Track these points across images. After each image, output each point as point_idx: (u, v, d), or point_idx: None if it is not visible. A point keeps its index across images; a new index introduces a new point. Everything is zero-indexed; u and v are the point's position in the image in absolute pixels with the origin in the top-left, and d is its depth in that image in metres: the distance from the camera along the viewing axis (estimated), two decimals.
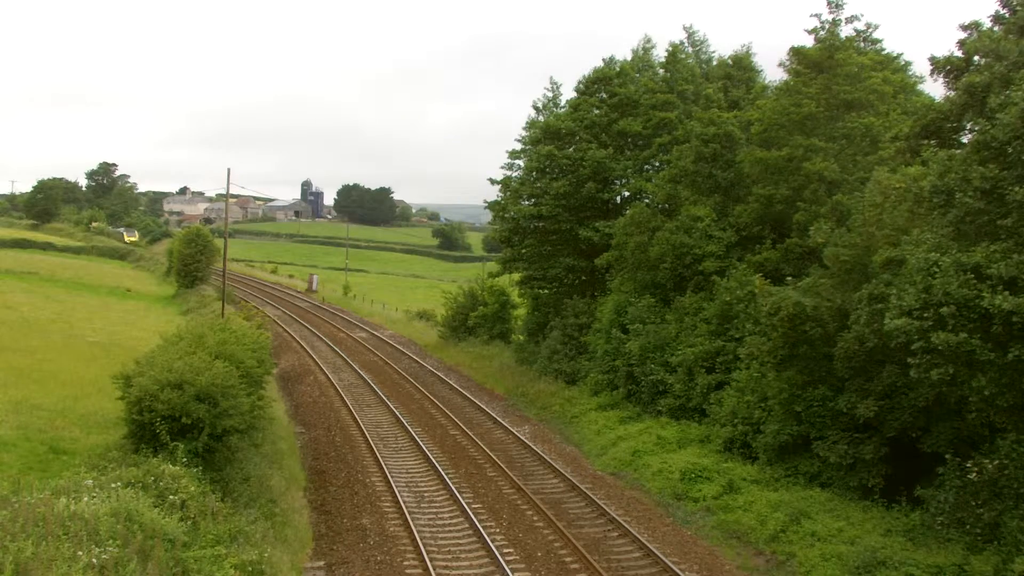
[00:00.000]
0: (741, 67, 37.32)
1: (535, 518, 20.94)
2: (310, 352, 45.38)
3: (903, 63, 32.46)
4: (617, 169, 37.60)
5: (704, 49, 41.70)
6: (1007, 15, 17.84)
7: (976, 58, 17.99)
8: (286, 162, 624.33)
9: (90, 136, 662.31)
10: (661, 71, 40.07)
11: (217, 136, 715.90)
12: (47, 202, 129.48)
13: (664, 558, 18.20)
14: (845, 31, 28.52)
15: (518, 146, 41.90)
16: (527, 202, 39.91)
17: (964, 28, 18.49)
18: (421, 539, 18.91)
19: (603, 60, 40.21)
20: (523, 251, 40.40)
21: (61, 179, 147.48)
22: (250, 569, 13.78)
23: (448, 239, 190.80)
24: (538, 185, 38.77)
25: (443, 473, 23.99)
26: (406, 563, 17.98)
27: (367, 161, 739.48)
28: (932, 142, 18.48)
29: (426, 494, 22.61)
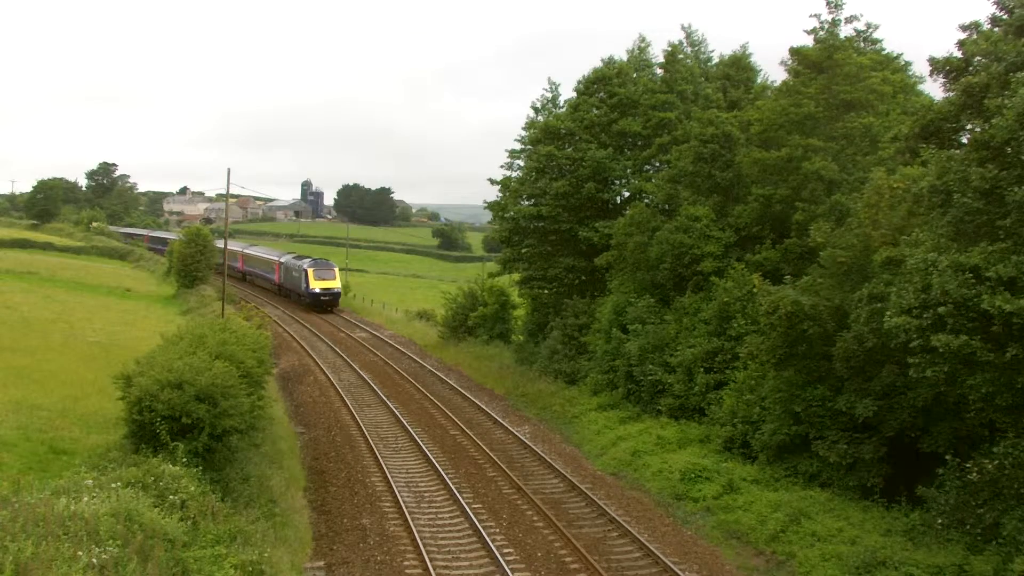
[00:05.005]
0: (740, 67, 37.34)
1: (535, 518, 20.96)
2: (310, 352, 45.38)
3: (903, 63, 32.49)
4: (617, 169, 37.60)
5: (703, 49, 41.72)
6: (1004, 17, 17.84)
7: (976, 59, 17.99)
8: (303, 164, 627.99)
9: (90, 136, 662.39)
10: (659, 71, 40.07)
11: (224, 138, 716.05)
12: (47, 202, 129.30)
13: (664, 558, 18.22)
14: (845, 31, 28.61)
15: (518, 146, 41.96)
16: (527, 202, 39.92)
17: (964, 28, 18.49)
18: (421, 539, 18.93)
19: (602, 60, 40.23)
20: (523, 251, 40.40)
21: (61, 179, 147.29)
22: (250, 569, 13.79)
23: (448, 239, 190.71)
24: (538, 185, 38.77)
25: (443, 473, 24.00)
26: (406, 563, 18.00)
27: (389, 161, 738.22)
28: (931, 143, 18.48)
29: (426, 494, 22.63)
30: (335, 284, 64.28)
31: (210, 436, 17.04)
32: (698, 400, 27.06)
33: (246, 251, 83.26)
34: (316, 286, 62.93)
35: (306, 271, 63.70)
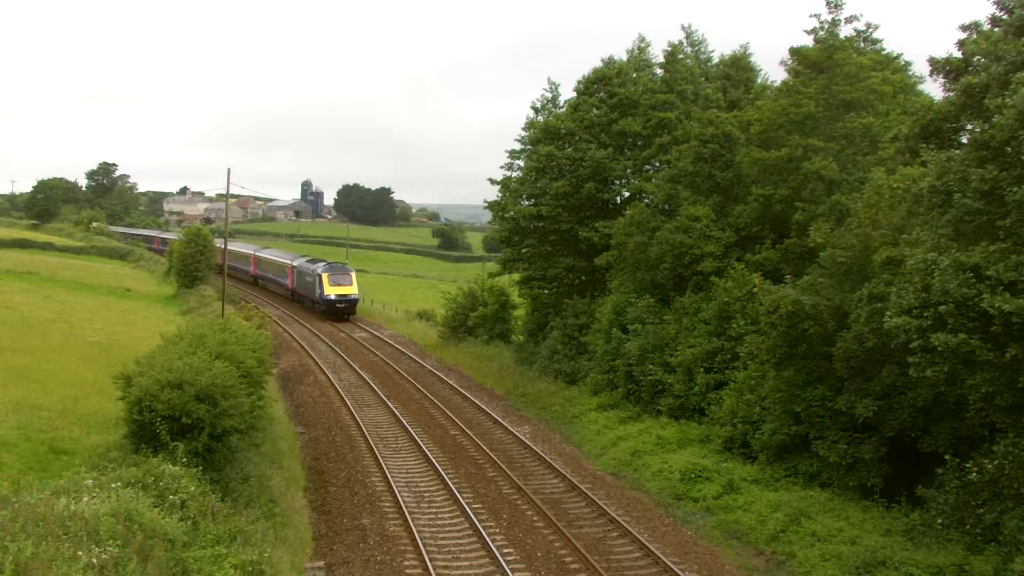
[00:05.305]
0: (740, 67, 37.34)
1: (535, 518, 20.96)
2: (310, 352, 45.39)
3: (903, 63, 32.50)
4: (617, 169, 37.61)
5: (703, 49, 41.73)
6: (1004, 17, 17.84)
7: (976, 59, 18.00)
8: (303, 164, 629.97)
9: (90, 136, 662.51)
10: (659, 71, 40.09)
11: (224, 138, 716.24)
12: (47, 202, 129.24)
13: (664, 558, 18.22)
14: (845, 31, 28.61)
15: (518, 146, 41.97)
16: (527, 202, 39.93)
17: (964, 29, 18.50)
18: (421, 539, 18.93)
19: (602, 60, 40.24)
20: (523, 251, 40.41)
21: (61, 179, 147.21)
22: (250, 569, 13.79)
23: (448, 239, 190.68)
24: (538, 185, 38.78)
25: (443, 473, 24.00)
26: (406, 563, 18.00)
27: (389, 161, 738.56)
28: (931, 144, 18.48)
29: (426, 494, 22.63)
30: (352, 290, 59.88)
31: (210, 436, 17.04)
32: (698, 400, 27.06)
33: (258, 254, 78.76)
34: (331, 292, 58.83)
35: (320, 276, 59.48)
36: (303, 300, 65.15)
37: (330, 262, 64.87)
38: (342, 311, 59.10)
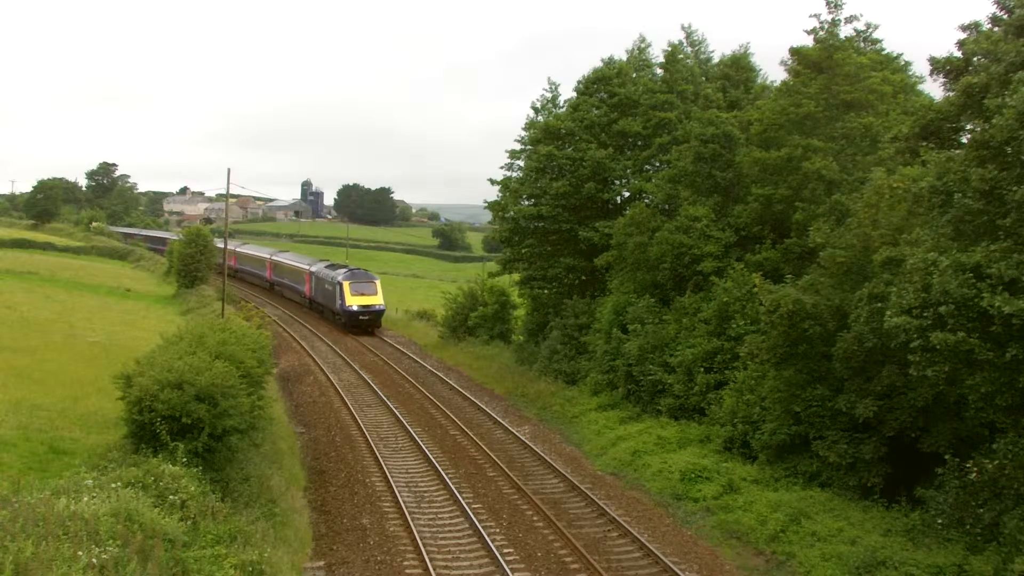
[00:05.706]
0: (740, 67, 37.34)
1: (535, 518, 20.96)
2: (310, 352, 45.39)
3: (903, 63, 32.51)
4: (617, 169, 37.61)
5: (703, 49, 41.74)
6: (1004, 17, 17.85)
7: (976, 59, 18.01)
8: (303, 164, 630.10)
9: (90, 136, 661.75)
10: (659, 71, 40.09)
11: (224, 138, 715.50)
12: (47, 202, 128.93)
13: (664, 558, 18.23)
14: (844, 31, 28.59)
15: (517, 146, 41.97)
16: (527, 202, 39.94)
17: (964, 29, 18.51)
18: (421, 539, 18.93)
19: (602, 60, 40.25)
20: (523, 251, 40.42)
21: (61, 179, 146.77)
22: (250, 569, 13.80)
23: (448, 239, 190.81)
24: (538, 185, 38.78)
25: (443, 473, 24.00)
26: (406, 563, 18.00)
27: (389, 161, 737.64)
28: (931, 143, 18.49)
29: (426, 494, 22.63)
30: (377, 300, 53.93)
31: (210, 436, 17.04)
32: (698, 400, 27.06)
33: (275, 258, 72.79)
34: (353, 303, 52.86)
35: (340, 284, 53.52)
36: (322, 310, 59.23)
37: (352, 268, 58.90)
38: (366, 324, 53.37)
